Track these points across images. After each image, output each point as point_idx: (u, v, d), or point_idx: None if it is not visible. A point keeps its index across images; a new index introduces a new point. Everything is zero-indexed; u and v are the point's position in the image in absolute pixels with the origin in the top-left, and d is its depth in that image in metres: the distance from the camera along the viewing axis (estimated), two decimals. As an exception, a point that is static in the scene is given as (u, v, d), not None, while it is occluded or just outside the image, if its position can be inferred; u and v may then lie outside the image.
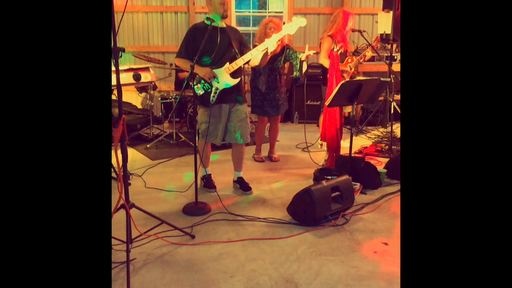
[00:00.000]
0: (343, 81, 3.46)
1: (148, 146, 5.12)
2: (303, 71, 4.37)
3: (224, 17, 3.42)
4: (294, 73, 4.46)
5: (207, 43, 3.24)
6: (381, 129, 6.10)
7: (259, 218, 3.17)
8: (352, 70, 4.52)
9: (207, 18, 3.36)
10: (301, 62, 4.28)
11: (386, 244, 2.80)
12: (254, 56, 3.39)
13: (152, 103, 5.37)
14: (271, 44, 3.36)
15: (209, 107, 3.44)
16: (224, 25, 3.48)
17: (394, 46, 6.06)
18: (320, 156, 4.66)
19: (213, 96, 3.41)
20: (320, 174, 3.70)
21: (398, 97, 6.04)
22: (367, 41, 4.57)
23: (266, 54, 3.51)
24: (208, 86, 3.39)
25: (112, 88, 3.75)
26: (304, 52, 4.06)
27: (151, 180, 4.00)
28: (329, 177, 3.40)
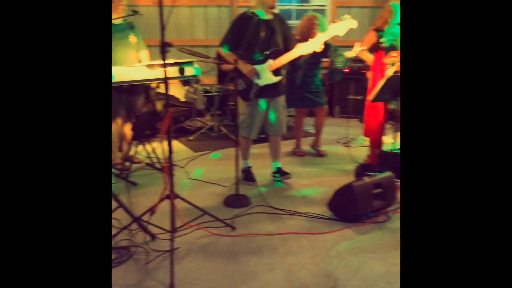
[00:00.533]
0: (388, 76, 3.40)
1: (190, 138, 5.22)
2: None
3: (271, 8, 3.38)
4: (335, 75, 4.44)
5: (252, 37, 3.25)
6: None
7: (299, 213, 3.18)
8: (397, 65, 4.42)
9: (252, 13, 3.35)
10: (347, 59, 4.24)
11: (429, 243, 2.75)
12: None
13: (195, 96, 5.46)
14: (316, 45, 3.32)
15: (248, 101, 3.47)
16: (271, 17, 3.42)
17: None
18: (362, 152, 4.59)
19: (253, 92, 3.44)
20: (362, 170, 3.66)
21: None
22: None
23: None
24: (245, 83, 3.43)
25: (160, 81, 3.86)
26: (351, 50, 4.01)
27: (194, 171, 4.09)
28: (371, 174, 3.35)
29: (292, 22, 6.99)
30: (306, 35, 4.10)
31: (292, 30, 3.58)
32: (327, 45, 4.26)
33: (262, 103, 3.52)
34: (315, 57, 4.24)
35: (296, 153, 4.69)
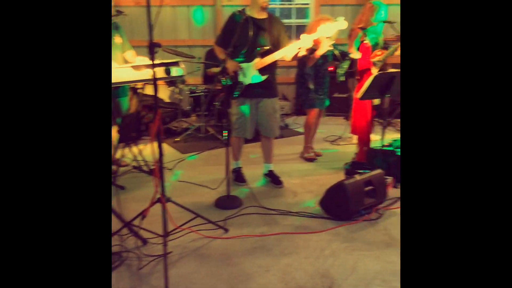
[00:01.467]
0: (376, 74, 3.41)
1: (177, 139, 5.16)
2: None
3: (263, 8, 3.36)
4: (340, 78, 4.43)
5: (240, 36, 3.23)
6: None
7: (292, 212, 3.16)
8: (381, 63, 4.45)
9: (240, 11, 3.32)
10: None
11: (422, 239, 2.76)
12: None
13: (181, 97, 5.40)
14: (304, 45, 3.31)
15: (233, 99, 3.45)
16: (264, 16, 3.39)
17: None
18: (350, 149, 4.60)
19: (237, 90, 3.42)
20: (352, 168, 3.66)
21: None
22: (397, 34, 4.48)
23: (311, 56, 3.64)
24: (231, 80, 3.40)
25: (146, 82, 3.80)
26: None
27: (182, 173, 4.03)
28: (362, 171, 3.36)
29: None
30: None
31: (286, 31, 3.53)
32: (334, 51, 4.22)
33: (250, 102, 3.48)
34: (324, 63, 4.21)
35: (307, 157, 4.46)
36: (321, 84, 4.25)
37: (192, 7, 6.76)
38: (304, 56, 3.93)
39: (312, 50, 3.97)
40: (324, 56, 4.11)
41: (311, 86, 4.22)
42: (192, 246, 2.68)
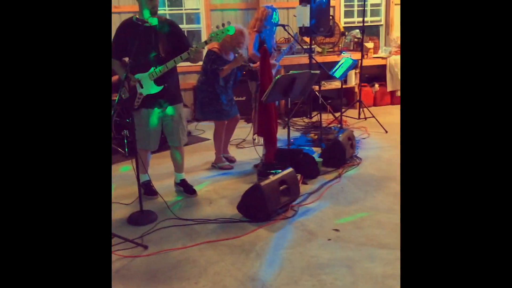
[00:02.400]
0: (278, 76, 3.51)
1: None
2: None
3: (152, 13, 3.23)
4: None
5: (133, 45, 3.08)
6: (306, 120, 6.28)
7: (210, 220, 3.12)
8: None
9: (137, 19, 3.20)
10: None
11: (337, 230, 2.91)
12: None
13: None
14: (192, 54, 3.23)
15: (134, 110, 3.30)
16: (155, 23, 3.22)
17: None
18: (256, 151, 4.67)
19: (137, 101, 3.29)
20: (263, 169, 3.73)
21: (317, 87, 6.25)
22: (291, 35, 4.68)
23: (224, 68, 3.77)
24: (128, 92, 3.26)
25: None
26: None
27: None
28: (273, 171, 3.44)
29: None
30: (227, 48, 4.02)
31: (182, 35, 3.45)
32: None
33: (152, 112, 3.36)
34: (235, 72, 4.16)
35: (225, 166, 4.31)
36: (231, 94, 4.26)
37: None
38: (216, 68, 3.91)
39: (224, 62, 3.97)
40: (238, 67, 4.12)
41: (222, 101, 4.13)
42: (112, 268, 2.50)
